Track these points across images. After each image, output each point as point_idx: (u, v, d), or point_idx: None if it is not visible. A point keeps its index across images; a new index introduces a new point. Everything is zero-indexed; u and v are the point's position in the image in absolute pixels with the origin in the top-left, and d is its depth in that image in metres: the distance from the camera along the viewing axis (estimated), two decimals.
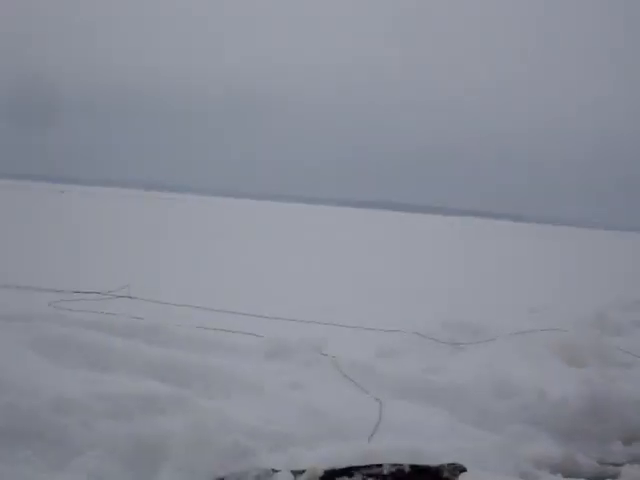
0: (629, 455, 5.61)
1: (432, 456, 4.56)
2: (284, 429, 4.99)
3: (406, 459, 4.40)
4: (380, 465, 4.24)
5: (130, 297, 9.00)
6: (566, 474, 5.14)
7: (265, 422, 5.04)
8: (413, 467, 4.23)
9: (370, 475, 4.19)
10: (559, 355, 7.64)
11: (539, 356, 7.51)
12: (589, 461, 5.46)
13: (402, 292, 12.23)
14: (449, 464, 4.30)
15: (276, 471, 4.36)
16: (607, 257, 31.38)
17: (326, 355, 6.72)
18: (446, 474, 4.20)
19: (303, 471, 4.33)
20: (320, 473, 4.27)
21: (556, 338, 7.99)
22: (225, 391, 5.66)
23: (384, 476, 4.19)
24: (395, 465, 4.23)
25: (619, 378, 6.76)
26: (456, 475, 4.19)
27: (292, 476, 4.30)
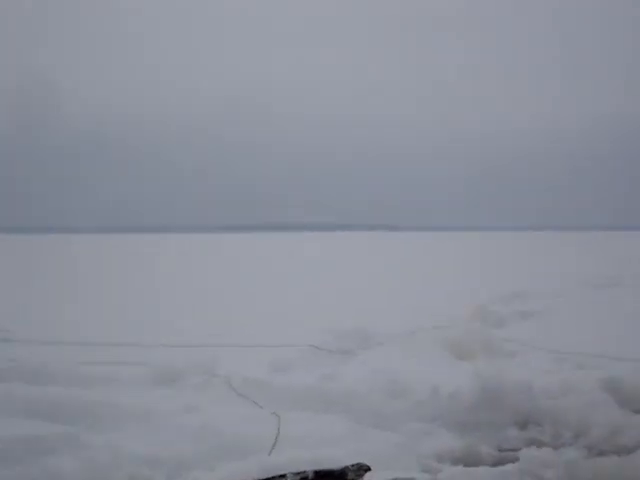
0: (525, 439, 5.74)
1: (334, 462, 4.53)
2: (181, 454, 4.86)
3: (309, 467, 4.35)
4: (283, 475, 4.18)
5: (6, 340, 8.65)
6: (467, 464, 5.21)
7: (160, 449, 4.89)
8: (317, 473, 4.18)
9: None
10: (447, 351, 7.79)
11: (429, 354, 7.63)
12: (488, 449, 5.56)
13: (293, 308, 12.21)
14: (353, 465, 4.27)
15: None
16: (488, 256, 32.33)
17: (219, 376, 6.62)
18: (351, 475, 4.17)
19: None
20: None
21: (442, 335, 8.15)
22: (115, 423, 5.47)
23: None
24: (298, 473, 4.17)
25: (506, 367, 6.93)
26: (361, 475, 4.17)
27: None
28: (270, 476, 4.21)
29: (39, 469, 4.47)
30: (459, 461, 5.33)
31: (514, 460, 5.32)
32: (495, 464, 5.31)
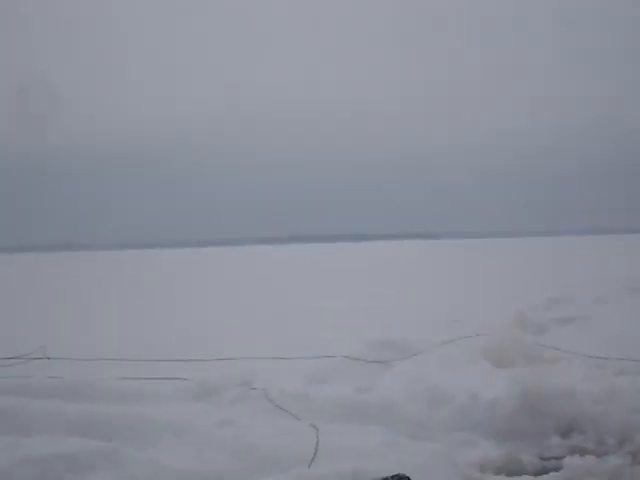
0: (568, 447, 5.64)
1: (374, 473, 4.49)
2: (219, 468, 4.85)
3: None
4: None
5: (47, 358, 8.70)
6: (509, 473, 5.14)
7: (199, 464, 4.88)
8: None
9: None
10: (486, 359, 7.70)
11: (466, 362, 7.55)
12: (530, 458, 5.48)
13: (326, 320, 12.16)
14: (393, 476, 4.23)
15: None
16: (516, 264, 32.05)
17: (255, 389, 6.61)
18: None
19: None
20: None
21: (480, 343, 8.07)
22: (154, 439, 5.48)
23: None
24: None
25: (547, 373, 6.84)
26: None
27: None
28: None
29: None
30: (501, 470, 5.26)
31: (557, 468, 5.24)
32: (538, 473, 5.24)
